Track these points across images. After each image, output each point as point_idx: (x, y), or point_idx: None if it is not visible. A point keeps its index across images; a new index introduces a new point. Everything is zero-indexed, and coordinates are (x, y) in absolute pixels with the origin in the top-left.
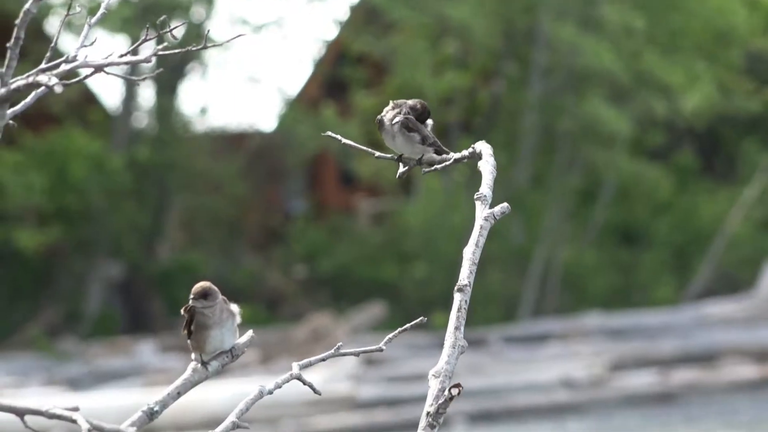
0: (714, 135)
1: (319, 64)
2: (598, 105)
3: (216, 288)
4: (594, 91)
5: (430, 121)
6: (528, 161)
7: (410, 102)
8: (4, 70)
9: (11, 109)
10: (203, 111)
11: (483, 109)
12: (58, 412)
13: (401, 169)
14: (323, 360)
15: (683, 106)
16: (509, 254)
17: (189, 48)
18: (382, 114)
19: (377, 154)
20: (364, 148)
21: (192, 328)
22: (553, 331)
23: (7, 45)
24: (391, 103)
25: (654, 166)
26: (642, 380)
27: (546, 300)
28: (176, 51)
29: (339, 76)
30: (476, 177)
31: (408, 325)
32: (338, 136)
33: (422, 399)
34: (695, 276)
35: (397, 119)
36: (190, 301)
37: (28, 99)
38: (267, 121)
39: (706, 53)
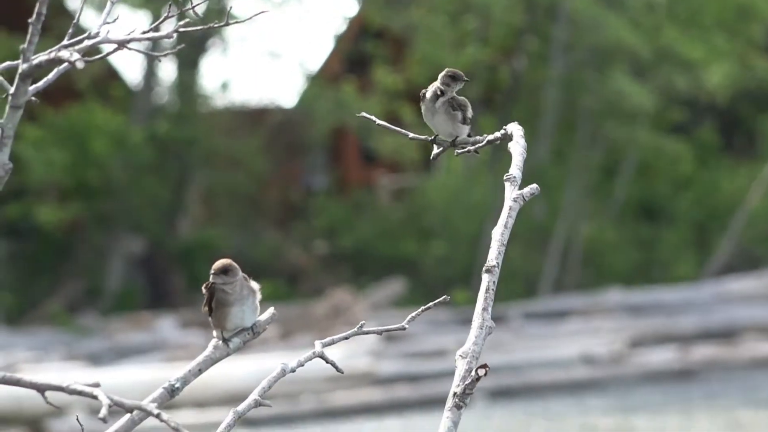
0: (735, 111)
1: (340, 40)
2: (621, 80)
3: (236, 264)
4: (616, 67)
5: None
6: (549, 137)
7: (448, 72)
8: (26, 45)
9: (33, 86)
10: (224, 86)
11: (504, 85)
12: (79, 387)
13: (435, 150)
14: (346, 338)
15: (704, 82)
16: (530, 230)
17: (211, 25)
18: (426, 89)
19: (411, 135)
20: (398, 129)
21: (212, 305)
22: (573, 307)
23: (29, 21)
24: (440, 77)
25: (675, 142)
26: (662, 356)
27: (567, 276)
28: (198, 28)
29: (360, 51)
30: (497, 155)
31: (431, 303)
32: (372, 117)
33: (442, 375)
34: (716, 252)
35: (442, 100)
36: (210, 278)
37: (50, 75)
38: (288, 97)
39: (727, 29)
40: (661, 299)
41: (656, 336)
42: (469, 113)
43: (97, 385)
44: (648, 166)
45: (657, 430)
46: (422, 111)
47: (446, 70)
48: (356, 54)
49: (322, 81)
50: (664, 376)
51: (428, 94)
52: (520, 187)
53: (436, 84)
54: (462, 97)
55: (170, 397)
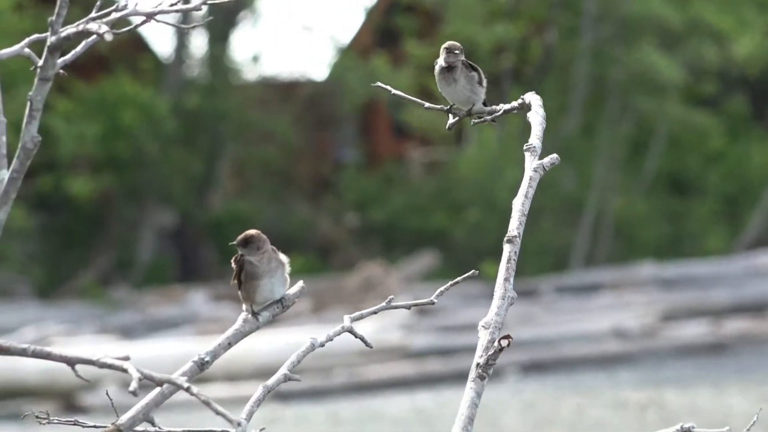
0: (765, 83)
1: (371, 13)
2: (650, 52)
3: (264, 236)
4: (645, 39)
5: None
6: (579, 111)
7: (450, 45)
8: (54, 18)
9: (62, 58)
10: (255, 59)
11: (535, 58)
12: (109, 361)
13: (451, 120)
14: (375, 313)
15: (734, 54)
16: (561, 204)
17: None
18: (440, 58)
19: (426, 104)
20: (413, 98)
21: (242, 277)
22: (604, 281)
23: None
24: (444, 49)
25: (705, 115)
26: (694, 330)
27: (598, 250)
28: (228, 0)
29: (391, 25)
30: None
31: (460, 278)
32: (387, 87)
33: (474, 348)
34: (747, 226)
35: (460, 59)
36: (239, 250)
37: (79, 48)
38: (318, 70)
39: (758, 1)
40: (693, 273)
41: (688, 310)
42: (484, 76)
43: (127, 359)
44: (678, 139)
45: (689, 404)
46: (437, 81)
47: (445, 44)
48: (387, 27)
49: (352, 54)
50: (696, 349)
51: (437, 68)
52: (543, 156)
53: (440, 61)
54: (473, 65)
55: (200, 371)
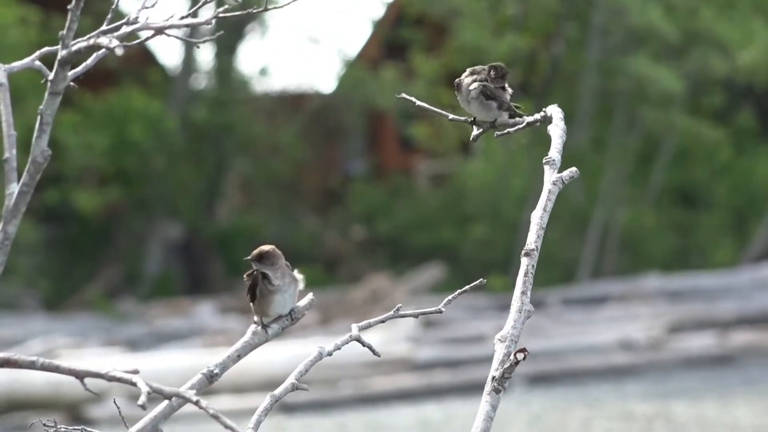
0: None
1: (379, 25)
2: (646, 63)
3: (279, 252)
4: (644, 50)
5: (508, 89)
6: (586, 123)
7: (487, 67)
8: (65, 32)
9: (72, 71)
10: (262, 72)
11: (542, 71)
12: (118, 374)
13: (475, 131)
14: (383, 321)
15: (739, 63)
16: (568, 215)
17: (250, 10)
18: (461, 78)
19: (451, 116)
20: (438, 110)
21: (257, 293)
22: (611, 292)
23: (69, 7)
24: (468, 70)
25: (712, 128)
26: (700, 342)
27: (605, 261)
28: (237, 13)
29: (399, 37)
30: (537, 139)
31: (467, 287)
32: (413, 98)
33: (481, 360)
34: (754, 238)
35: (474, 86)
36: (253, 265)
37: (89, 61)
38: (326, 83)
39: (763, 11)
40: (700, 285)
41: (695, 322)
42: (504, 99)
43: (136, 372)
44: (685, 151)
45: (695, 416)
46: (459, 100)
47: (493, 64)
48: (395, 39)
49: (360, 66)
50: (702, 361)
51: (463, 86)
52: (559, 171)
53: (467, 74)
54: (489, 86)
55: (209, 383)
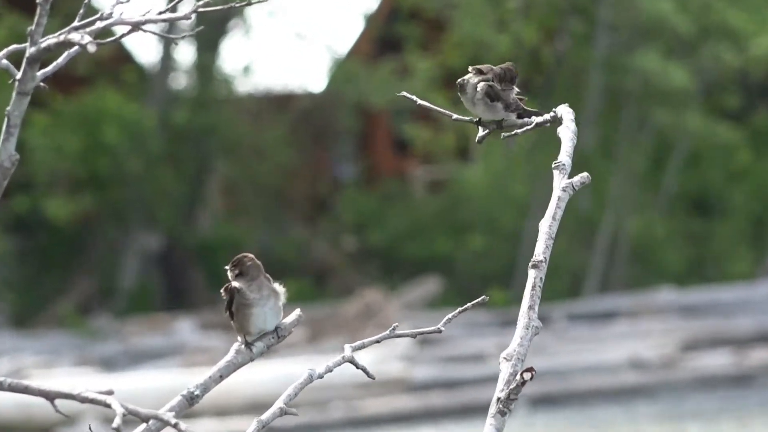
0: None
1: (371, 21)
2: (655, 59)
3: (258, 262)
4: (653, 46)
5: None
6: (593, 124)
7: (496, 68)
8: (33, 27)
9: (42, 70)
10: (246, 70)
11: (546, 67)
12: (91, 395)
13: (481, 132)
14: (378, 341)
15: (753, 54)
16: (574, 224)
17: (232, 4)
18: (465, 78)
19: (454, 116)
20: (441, 109)
21: (233, 308)
22: (621, 307)
23: (37, 1)
24: (472, 69)
25: (729, 129)
26: (717, 361)
27: (614, 274)
28: (218, 8)
29: (393, 33)
30: (540, 142)
31: (469, 304)
32: (413, 97)
33: (481, 381)
34: None
35: (480, 86)
36: (228, 276)
37: (60, 59)
38: (315, 82)
39: None
40: (716, 299)
41: (710, 339)
42: (510, 100)
43: (110, 393)
44: (700, 154)
45: None
46: (463, 101)
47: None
48: (388, 36)
49: (352, 64)
50: (718, 381)
51: (468, 86)
52: (569, 176)
53: (471, 75)
54: (495, 86)
55: (189, 405)
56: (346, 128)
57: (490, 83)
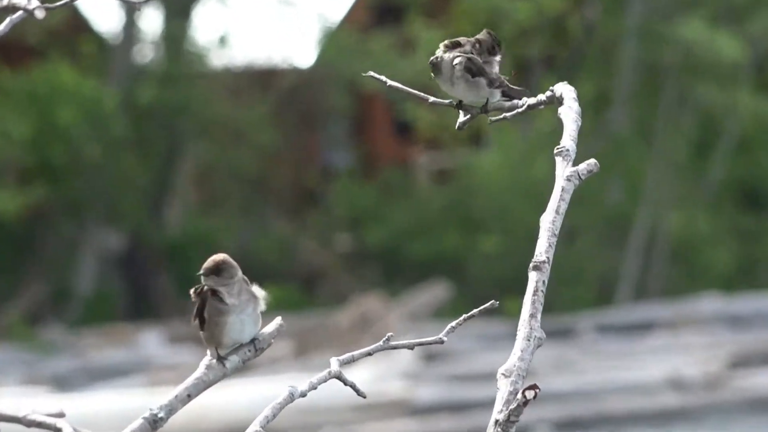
0: None
1: None
2: (699, 27)
3: (234, 263)
4: (696, 12)
5: (498, 58)
6: (627, 103)
7: (473, 39)
8: None
9: None
10: (223, 41)
11: (572, 40)
12: (39, 418)
13: (462, 117)
14: (370, 354)
15: None
16: (604, 220)
17: None
18: (437, 55)
19: (431, 99)
20: (415, 91)
21: (205, 315)
22: (658, 317)
23: None
24: (443, 45)
25: None
26: None
27: (650, 278)
28: None
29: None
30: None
31: (476, 310)
32: (382, 77)
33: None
34: None
35: (458, 60)
36: (202, 280)
37: (2, 26)
38: (303, 55)
39: None
40: None
41: (763, 354)
42: (494, 75)
43: (61, 416)
44: (750, 138)
45: None
46: (439, 82)
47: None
48: (387, 2)
49: (346, 35)
50: None
51: (443, 64)
52: (583, 160)
53: (443, 50)
54: (476, 59)
55: (153, 430)
56: (338, 109)
57: (469, 56)
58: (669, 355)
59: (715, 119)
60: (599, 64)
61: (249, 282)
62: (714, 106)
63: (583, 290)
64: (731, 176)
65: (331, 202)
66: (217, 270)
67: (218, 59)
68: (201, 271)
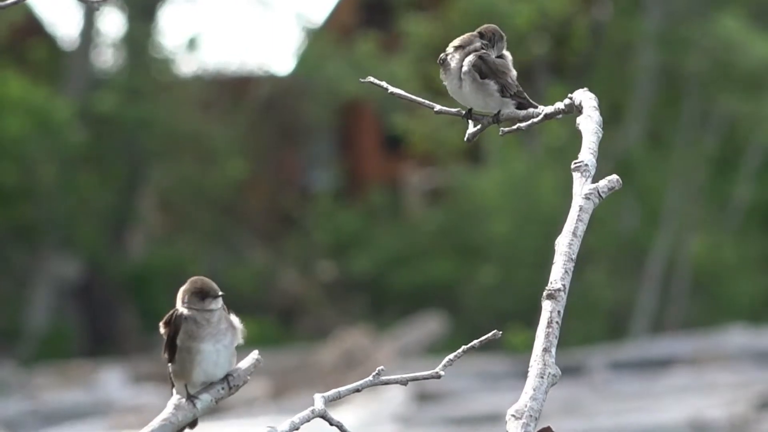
0: None
1: None
2: (733, 26)
3: (217, 288)
4: (728, 11)
5: (507, 54)
6: (642, 116)
7: (481, 30)
8: None
9: None
10: (192, 46)
11: (581, 44)
12: None
13: (471, 128)
14: (358, 390)
15: None
16: (617, 246)
17: None
18: (447, 52)
19: (437, 107)
20: (420, 99)
21: (177, 342)
22: (679, 353)
23: None
24: (457, 40)
25: None
26: None
27: (669, 311)
28: None
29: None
30: (575, 138)
31: (476, 341)
32: (383, 83)
33: None
34: None
35: (469, 59)
36: (185, 300)
37: None
38: (281, 61)
39: None
40: None
41: None
42: (508, 79)
43: None
44: None
45: None
46: (445, 83)
47: (481, 28)
48: (374, 2)
49: (329, 36)
50: None
51: (452, 64)
52: (596, 179)
53: (454, 46)
54: (497, 59)
55: None
56: (320, 121)
57: (481, 53)
58: (690, 395)
59: (740, 134)
60: (611, 72)
61: (228, 310)
62: (740, 121)
63: (595, 323)
64: (758, 198)
65: (311, 227)
66: (202, 293)
67: (186, 66)
68: (183, 293)
